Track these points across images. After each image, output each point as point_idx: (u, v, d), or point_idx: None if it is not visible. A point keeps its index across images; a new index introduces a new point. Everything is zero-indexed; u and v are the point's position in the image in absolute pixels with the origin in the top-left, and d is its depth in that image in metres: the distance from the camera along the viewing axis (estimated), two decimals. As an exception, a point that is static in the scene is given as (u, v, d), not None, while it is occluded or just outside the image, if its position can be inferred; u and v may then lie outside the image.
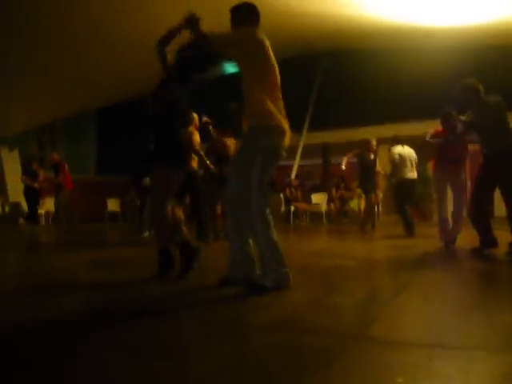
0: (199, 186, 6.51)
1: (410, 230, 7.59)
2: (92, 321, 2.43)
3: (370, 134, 13.70)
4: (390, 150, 7.99)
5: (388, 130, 12.74)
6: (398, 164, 7.76)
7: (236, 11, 3.41)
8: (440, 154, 5.93)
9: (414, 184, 7.96)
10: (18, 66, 11.24)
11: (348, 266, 4.42)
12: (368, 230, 8.99)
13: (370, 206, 9.18)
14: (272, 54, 3.28)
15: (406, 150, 7.91)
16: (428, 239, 6.89)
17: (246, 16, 3.35)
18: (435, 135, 6.08)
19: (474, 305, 2.68)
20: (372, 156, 8.94)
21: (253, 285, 3.07)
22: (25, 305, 2.84)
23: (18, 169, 15.37)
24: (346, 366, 1.75)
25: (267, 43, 3.26)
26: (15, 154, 15.69)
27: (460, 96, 5.02)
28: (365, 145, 9.06)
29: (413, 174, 7.81)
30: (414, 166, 7.86)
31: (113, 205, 16.46)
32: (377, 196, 9.35)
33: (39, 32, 9.93)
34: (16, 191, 14.80)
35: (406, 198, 7.83)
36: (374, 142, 8.91)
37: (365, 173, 9.01)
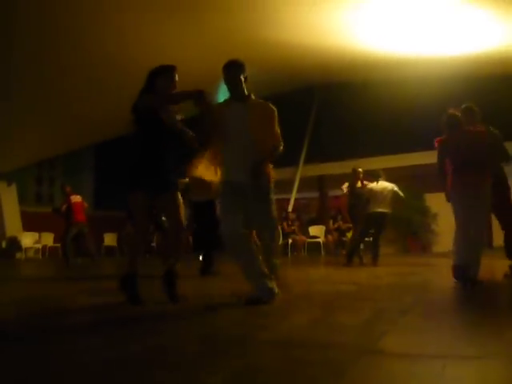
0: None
1: (349, 260, 7.97)
2: (94, 338, 2.39)
3: (366, 165, 13.86)
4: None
5: (384, 162, 12.88)
6: (370, 199, 8.24)
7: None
8: (453, 163, 4.70)
9: (382, 217, 8.17)
10: (17, 103, 11.38)
11: (350, 290, 4.38)
12: (355, 262, 8.65)
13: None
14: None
15: (378, 186, 8.30)
16: (428, 267, 6.86)
17: None
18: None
19: (484, 320, 2.66)
20: (360, 184, 8.97)
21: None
22: (29, 324, 2.79)
23: (16, 203, 15.35)
24: (356, 376, 1.71)
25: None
26: (13, 188, 15.68)
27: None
28: (352, 174, 9.09)
29: (383, 208, 8.11)
30: (387, 200, 8.17)
31: (109, 239, 16.38)
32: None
33: (37, 70, 10.12)
34: (14, 226, 14.74)
35: (368, 231, 8.39)
36: (360, 170, 8.98)
37: (354, 202, 9.05)
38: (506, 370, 1.72)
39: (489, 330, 2.39)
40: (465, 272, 4.21)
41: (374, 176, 8.50)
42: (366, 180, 8.68)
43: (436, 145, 4.89)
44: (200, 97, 3.33)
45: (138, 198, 3.56)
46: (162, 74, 3.63)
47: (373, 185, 8.37)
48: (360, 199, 8.81)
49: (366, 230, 8.34)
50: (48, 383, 1.71)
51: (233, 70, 3.57)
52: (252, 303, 3.27)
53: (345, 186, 9.05)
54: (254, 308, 3.20)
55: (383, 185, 8.32)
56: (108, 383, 1.68)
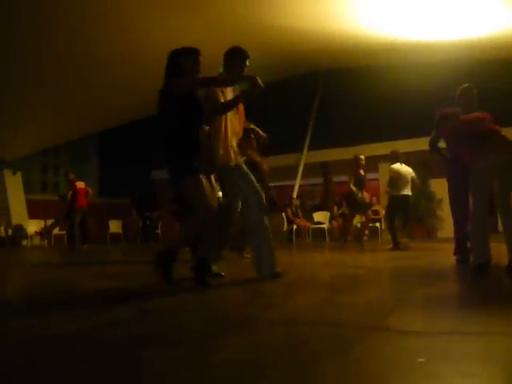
0: None
1: (395, 244, 7.85)
2: (105, 320, 2.41)
3: (370, 151, 13.81)
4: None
5: (388, 147, 12.83)
6: (395, 181, 8.02)
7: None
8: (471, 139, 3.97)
9: (407, 200, 8.08)
10: (21, 91, 11.38)
11: (356, 273, 4.39)
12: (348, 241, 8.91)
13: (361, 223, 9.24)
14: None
15: (403, 168, 8.14)
16: (434, 251, 6.86)
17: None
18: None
19: (490, 300, 2.66)
20: (362, 172, 8.94)
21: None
22: (41, 311, 2.82)
23: (21, 192, 15.41)
24: (363, 352, 1.71)
25: None
26: (18, 177, 15.73)
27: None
28: (354, 161, 9.05)
29: (407, 191, 8.03)
30: (410, 183, 8.08)
31: (115, 226, 16.46)
32: (367, 214, 9.54)
33: (41, 57, 10.08)
34: (19, 213, 14.82)
35: (396, 214, 8.13)
36: (362, 158, 8.93)
37: (350, 195, 9.05)
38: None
39: (494, 309, 2.39)
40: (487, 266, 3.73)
41: (392, 158, 8.29)
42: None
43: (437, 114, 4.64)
44: (256, 81, 3.36)
45: (200, 180, 3.49)
46: (187, 56, 3.54)
47: (399, 166, 8.13)
48: (360, 186, 8.82)
49: (394, 212, 8.11)
50: (61, 362, 1.73)
51: None
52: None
53: (352, 180, 9.04)
54: (258, 289, 3.21)
55: (407, 168, 8.19)
56: (110, 360, 1.70)
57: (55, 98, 12.25)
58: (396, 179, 8.02)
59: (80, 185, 10.68)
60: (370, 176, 15.30)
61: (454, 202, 4.94)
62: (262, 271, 3.63)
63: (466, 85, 4.71)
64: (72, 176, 10.88)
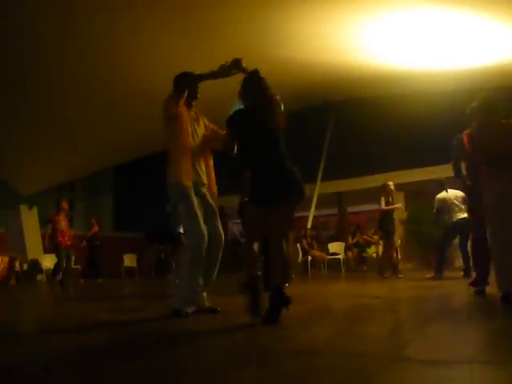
0: None
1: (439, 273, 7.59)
2: (119, 351, 2.40)
3: (384, 180, 13.76)
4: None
5: (402, 177, 12.80)
6: (444, 209, 7.89)
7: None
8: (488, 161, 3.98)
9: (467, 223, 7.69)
10: (36, 127, 11.62)
11: (372, 303, 4.33)
12: (388, 275, 8.75)
13: (388, 250, 9.06)
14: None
15: (450, 194, 7.91)
16: (451, 280, 6.74)
17: None
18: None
19: (510, 328, 2.60)
20: (391, 199, 8.90)
21: None
22: (57, 340, 2.81)
23: (37, 227, 15.53)
24: (383, 382, 1.69)
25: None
26: (34, 212, 15.90)
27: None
28: (383, 188, 9.03)
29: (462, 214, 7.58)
30: (462, 205, 7.64)
31: (129, 260, 16.46)
32: (394, 241, 9.19)
33: (55, 94, 10.33)
34: (34, 248, 14.92)
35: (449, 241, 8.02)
36: (391, 184, 8.89)
37: (385, 216, 8.96)
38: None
39: (516, 337, 2.34)
40: None
41: (437, 185, 8.13)
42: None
43: (464, 138, 4.37)
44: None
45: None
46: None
47: (443, 194, 7.96)
48: (389, 214, 8.74)
49: (446, 240, 8.01)
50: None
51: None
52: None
53: (383, 201, 8.95)
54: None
55: (452, 191, 7.93)
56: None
57: (69, 135, 12.48)
58: (442, 208, 7.91)
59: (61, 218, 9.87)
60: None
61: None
62: (174, 303, 3.64)
63: (484, 92, 4.40)
64: (65, 205, 10.15)
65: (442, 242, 7.95)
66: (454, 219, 7.68)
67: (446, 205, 7.86)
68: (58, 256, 10.05)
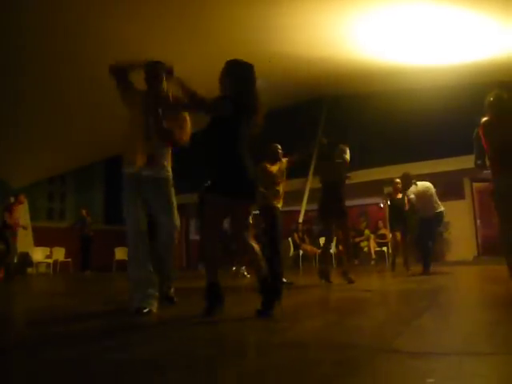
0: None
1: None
2: (110, 345, 2.38)
3: (375, 175, 13.79)
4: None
5: (394, 172, 12.82)
6: (416, 204, 7.78)
7: None
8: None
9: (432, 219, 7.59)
10: (27, 119, 11.53)
11: (363, 296, 4.34)
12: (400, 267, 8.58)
13: (397, 244, 9.00)
14: None
15: (419, 188, 7.80)
16: (442, 275, 6.78)
17: None
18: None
19: (500, 321, 2.61)
20: (400, 195, 8.85)
21: None
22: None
23: (27, 219, 15.42)
24: (371, 374, 1.68)
25: None
26: (24, 204, 15.79)
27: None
28: (392, 185, 9.06)
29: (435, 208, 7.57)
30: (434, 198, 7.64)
31: (121, 254, 16.40)
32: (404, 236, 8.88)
33: (46, 86, 10.25)
34: (25, 241, 14.82)
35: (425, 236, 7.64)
36: (398, 181, 8.83)
37: (394, 213, 8.97)
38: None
39: (505, 330, 2.34)
40: None
41: (406, 179, 8.18)
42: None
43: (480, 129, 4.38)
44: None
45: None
46: None
47: (413, 189, 7.89)
48: (400, 209, 8.62)
49: (422, 234, 7.71)
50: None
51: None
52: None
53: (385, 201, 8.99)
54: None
55: (424, 184, 7.89)
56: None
57: (61, 127, 12.40)
58: (414, 202, 7.80)
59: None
60: (376, 200, 15.33)
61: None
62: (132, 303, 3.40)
63: (494, 91, 4.45)
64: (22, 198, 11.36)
65: (424, 236, 7.59)
66: (432, 212, 7.53)
67: (426, 198, 7.66)
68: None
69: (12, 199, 11.21)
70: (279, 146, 6.11)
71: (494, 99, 4.34)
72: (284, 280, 5.57)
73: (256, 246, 3.13)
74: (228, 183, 3.11)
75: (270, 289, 3.01)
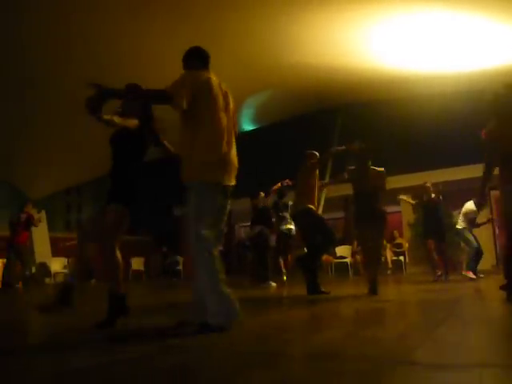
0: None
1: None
2: (128, 355, 2.40)
3: (390, 184, 13.66)
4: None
5: (409, 180, 12.73)
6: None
7: (184, 57, 3.52)
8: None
9: None
10: (45, 130, 11.71)
11: (382, 307, 4.30)
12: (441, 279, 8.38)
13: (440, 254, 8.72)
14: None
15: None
16: (460, 284, 6.70)
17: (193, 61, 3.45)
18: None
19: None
20: (434, 196, 8.66)
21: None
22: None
23: (45, 230, 15.62)
24: (392, 385, 1.68)
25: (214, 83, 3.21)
26: (42, 215, 16.00)
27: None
28: (423, 189, 8.89)
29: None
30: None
31: (136, 264, 16.51)
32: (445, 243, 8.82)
33: (63, 98, 10.40)
34: (43, 252, 15.00)
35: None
36: (429, 184, 8.73)
37: (429, 219, 8.70)
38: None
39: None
40: None
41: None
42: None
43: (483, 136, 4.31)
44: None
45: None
46: None
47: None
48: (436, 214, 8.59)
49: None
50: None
51: None
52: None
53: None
54: (281, 323, 3.16)
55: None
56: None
57: (78, 139, 12.56)
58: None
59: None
60: (391, 209, 15.21)
61: None
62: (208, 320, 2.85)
63: (500, 91, 4.36)
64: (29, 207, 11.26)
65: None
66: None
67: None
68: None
69: (23, 216, 11.23)
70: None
71: (493, 102, 4.30)
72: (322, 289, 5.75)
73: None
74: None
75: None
